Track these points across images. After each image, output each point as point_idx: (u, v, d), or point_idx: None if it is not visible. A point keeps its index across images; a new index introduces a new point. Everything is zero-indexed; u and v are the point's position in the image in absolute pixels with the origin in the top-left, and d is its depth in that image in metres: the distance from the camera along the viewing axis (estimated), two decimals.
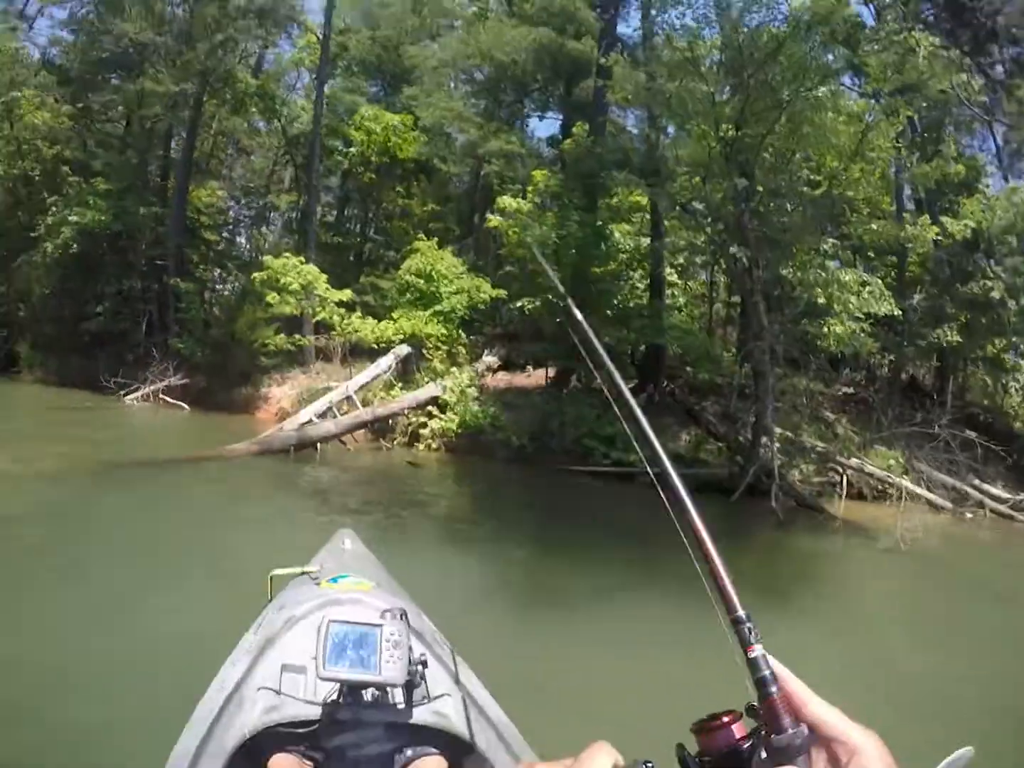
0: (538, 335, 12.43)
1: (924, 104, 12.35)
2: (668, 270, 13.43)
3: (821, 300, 10.06)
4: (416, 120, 17.53)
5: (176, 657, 2.85)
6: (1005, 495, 12.26)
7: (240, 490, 7.50)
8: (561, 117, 18.30)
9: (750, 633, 0.62)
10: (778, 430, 10.21)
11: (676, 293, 14.18)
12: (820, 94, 9.56)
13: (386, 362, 11.28)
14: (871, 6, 13.95)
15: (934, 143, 13.87)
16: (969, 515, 11.48)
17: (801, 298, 10.57)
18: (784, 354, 10.74)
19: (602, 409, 10.62)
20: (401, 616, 1.45)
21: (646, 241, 13.08)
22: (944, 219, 12.83)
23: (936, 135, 14.16)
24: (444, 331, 11.68)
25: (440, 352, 11.68)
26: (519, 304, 11.88)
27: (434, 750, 1.44)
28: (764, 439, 9.83)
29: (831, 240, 12.25)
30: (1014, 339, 13.69)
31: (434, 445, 10.73)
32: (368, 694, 1.43)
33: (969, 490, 11.91)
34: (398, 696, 1.45)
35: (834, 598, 6.16)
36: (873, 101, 11.40)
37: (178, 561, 4.57)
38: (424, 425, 10.77)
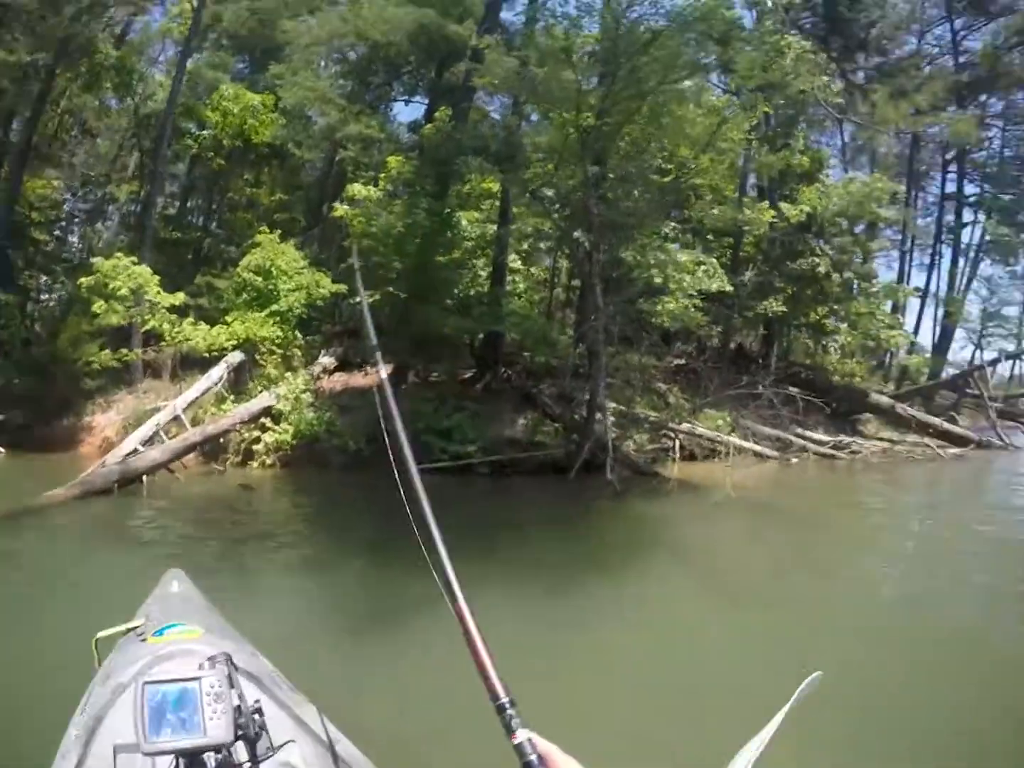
0: (377, 330, 12.19)
1: (782, 102, 13.13)
2: (512, 257, 13.55)
3: (658, 280, 10.56)
4: (277, 101, 16.51)
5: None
6: (825, 438, 13.94)
7: (59, 544, 6.85)
8: (427, 102, 17.87)
9: (511, 720, 0.62)
10: (612, 405, 10.72)
11: (517, 280, 14.26)
12: (684, 87, 9.84)
13: (217, 373, 10.50)
14: (753, 11, 14.44)
15: (784, 137, 14.78)
16: (795, 460, 12.84)
17: (639, 279, 11.00)
18: (619, 332, 11.29)
19: (439, 402, 10.84)
20: (226, 661, 1.32)
21: (493, 228, 13.12)
22: (782, 204, 14.02)
23: (788, 130, 15.05)
24: (280, 333, 11.08)
25: (275, 357, 11.11)
26: (359, 299, 11.60)
27: None
28: (598, 415, 10.28)
29: (672, 223, 13.01)
30: (835, 306, 15.26)
31: (268, 461, 10.20)
32: (210, 759, 1.22)
33: (792, 438, 13.33)
34: (241, 754, 1.29)
35: (666, 557, 6.59)
36: (734, 97, 11.84)
37: None
38: (257, 440, 10.18)
